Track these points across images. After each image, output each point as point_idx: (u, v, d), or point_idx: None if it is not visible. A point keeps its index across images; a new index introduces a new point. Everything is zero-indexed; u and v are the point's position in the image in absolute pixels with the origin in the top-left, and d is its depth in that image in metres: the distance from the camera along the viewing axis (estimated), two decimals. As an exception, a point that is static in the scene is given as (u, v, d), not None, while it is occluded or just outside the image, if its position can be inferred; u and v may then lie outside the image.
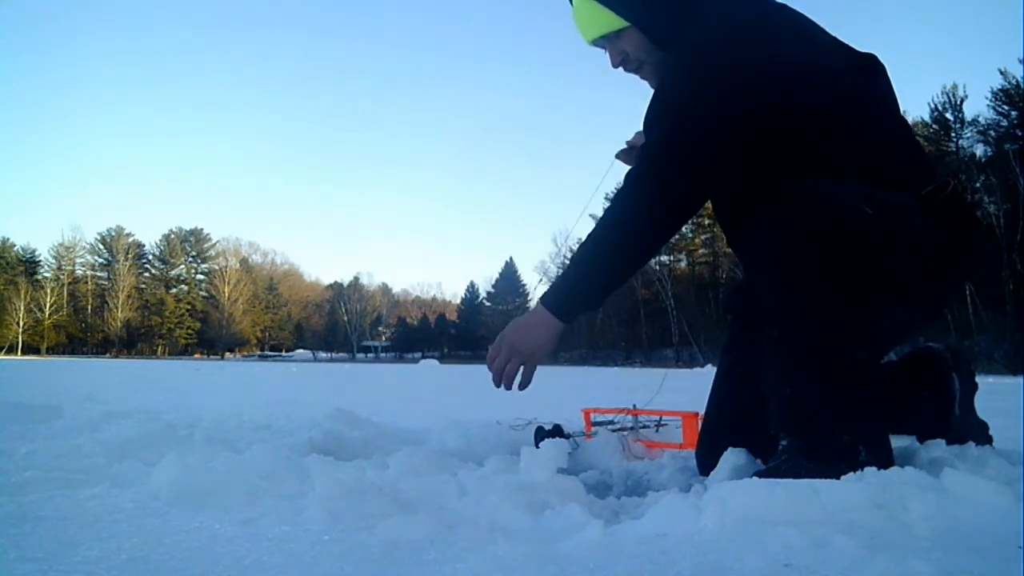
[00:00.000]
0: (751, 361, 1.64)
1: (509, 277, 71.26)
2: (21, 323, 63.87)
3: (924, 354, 1.78)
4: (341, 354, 71.35)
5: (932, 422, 1.66)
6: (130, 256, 72.02)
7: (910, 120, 38.01)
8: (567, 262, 1.55)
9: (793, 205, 1.32)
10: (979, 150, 35.47)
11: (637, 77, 1.68)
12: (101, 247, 73.00)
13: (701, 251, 50.21)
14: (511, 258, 76.98)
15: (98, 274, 72.77)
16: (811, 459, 1.28)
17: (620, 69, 1.65)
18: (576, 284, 1.48)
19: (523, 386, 1.55)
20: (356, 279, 79.00)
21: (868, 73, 1.53)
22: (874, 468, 1.18)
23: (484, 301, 73.60)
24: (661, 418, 2.36)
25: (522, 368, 1.52)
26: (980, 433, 1.73)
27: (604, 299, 1.52)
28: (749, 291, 1.80)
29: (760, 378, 1.42)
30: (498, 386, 1.53)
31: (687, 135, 1.42)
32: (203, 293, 74.77)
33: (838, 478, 1.13)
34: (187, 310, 73.20)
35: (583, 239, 1.50)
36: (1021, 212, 30.00)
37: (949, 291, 1.62)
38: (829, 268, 1.28)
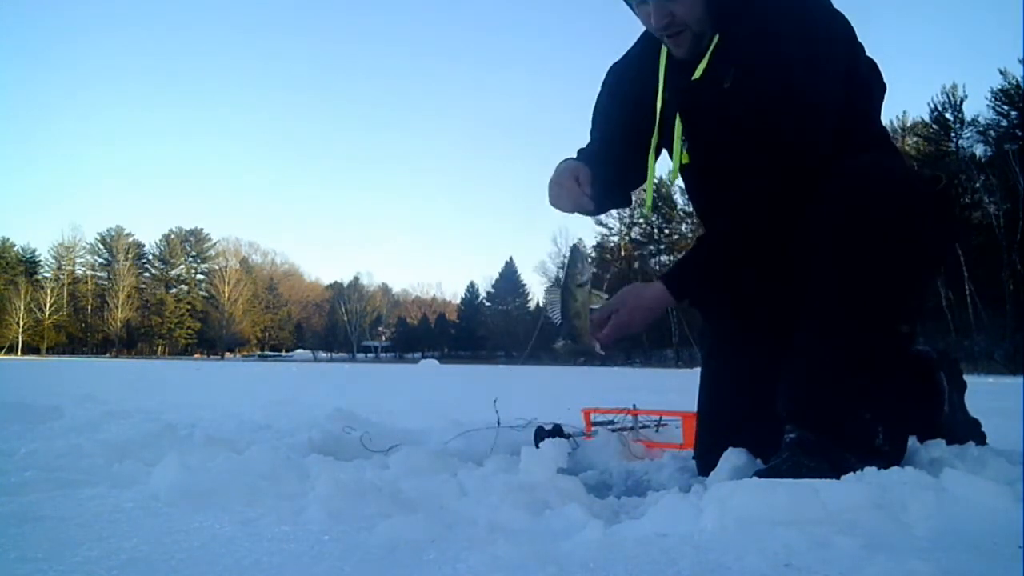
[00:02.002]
0: (744, 359, 1.64)
1: (509, 277, 71.16)
2: (21, 323, 63.84)
3: (912, 356, 1.80)
4: (341, 354, 71.26)
5: (923, 421, 1.67)
6: (130, 256, 71.94)
7: (910, 120, 38.21)
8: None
9: (860, 185, 1.31)
10: (979, 150, 35.52)
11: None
12: (101, 247, 72.97)
13: (701, 251, 50.11)
14: (511, 258, 76.74)
15: (98, 274, 72.72)
16: (812, 456, 1.28)
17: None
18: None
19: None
20: (356, 279, 78.95)
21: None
22: (874, 468, 1.18)
23: (484, 301, 73.55)
24: (661, 418, 2.36)
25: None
26: (972, 430, 1.75)
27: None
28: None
29: (755, 377, 1.41)
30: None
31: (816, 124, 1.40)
32: (203, 293, 74.66)
33: (838, 477, 1.13)
34: (187, 310, 73.09)
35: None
36: (1021, 212, 30.00)
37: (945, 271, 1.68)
38: (900, 246, 1.29)
